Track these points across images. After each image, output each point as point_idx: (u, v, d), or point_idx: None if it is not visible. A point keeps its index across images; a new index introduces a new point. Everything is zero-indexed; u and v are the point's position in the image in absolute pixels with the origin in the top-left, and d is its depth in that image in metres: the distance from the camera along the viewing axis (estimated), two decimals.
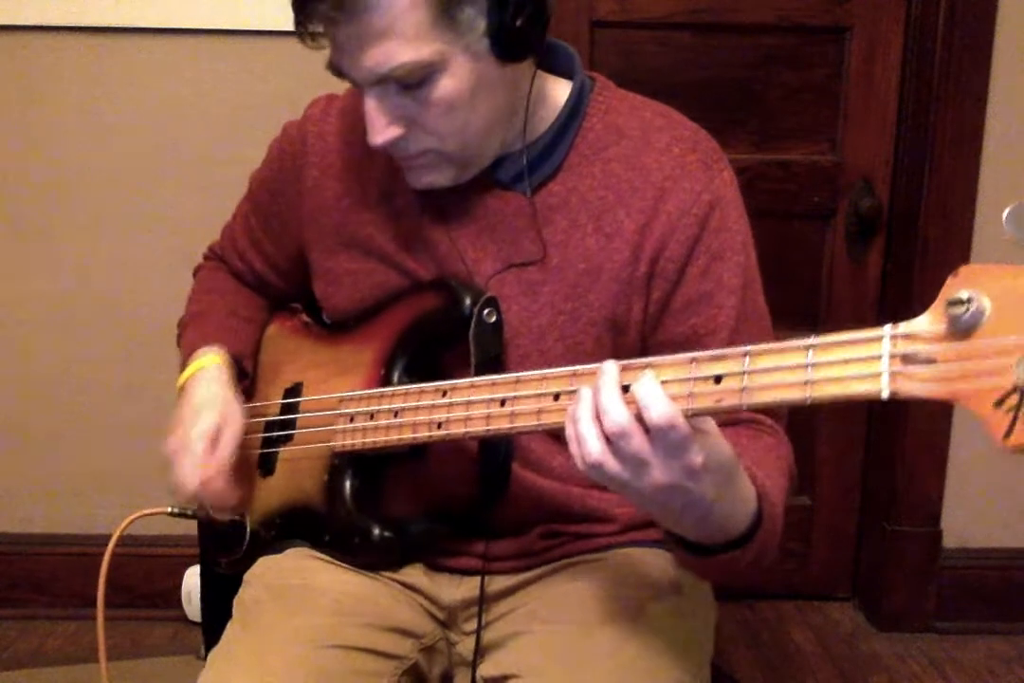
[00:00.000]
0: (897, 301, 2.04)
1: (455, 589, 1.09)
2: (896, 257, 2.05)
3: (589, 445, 0.76)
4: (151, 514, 1.20)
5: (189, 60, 1.94)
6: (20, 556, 2.11)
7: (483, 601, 1.05)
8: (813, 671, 1.97)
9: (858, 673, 1.97)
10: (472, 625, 1.06)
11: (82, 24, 1.90)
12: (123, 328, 2.04)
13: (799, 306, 2.09)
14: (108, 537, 1.20)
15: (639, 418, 0.74)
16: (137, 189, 1.99)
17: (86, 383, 2.06)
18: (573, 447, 0.78)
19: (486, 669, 1.02)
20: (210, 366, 1.14)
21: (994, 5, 1.90)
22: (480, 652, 1.05)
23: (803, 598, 2.22)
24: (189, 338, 1.21)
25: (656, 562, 1.07)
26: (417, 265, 1.07)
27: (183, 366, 1.16)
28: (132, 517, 1.19)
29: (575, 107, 1.04)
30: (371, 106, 0.95)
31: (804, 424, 2.12)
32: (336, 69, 0.96)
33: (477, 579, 1.06)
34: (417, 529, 1.08)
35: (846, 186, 2.04)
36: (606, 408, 0.75)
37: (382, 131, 0.96)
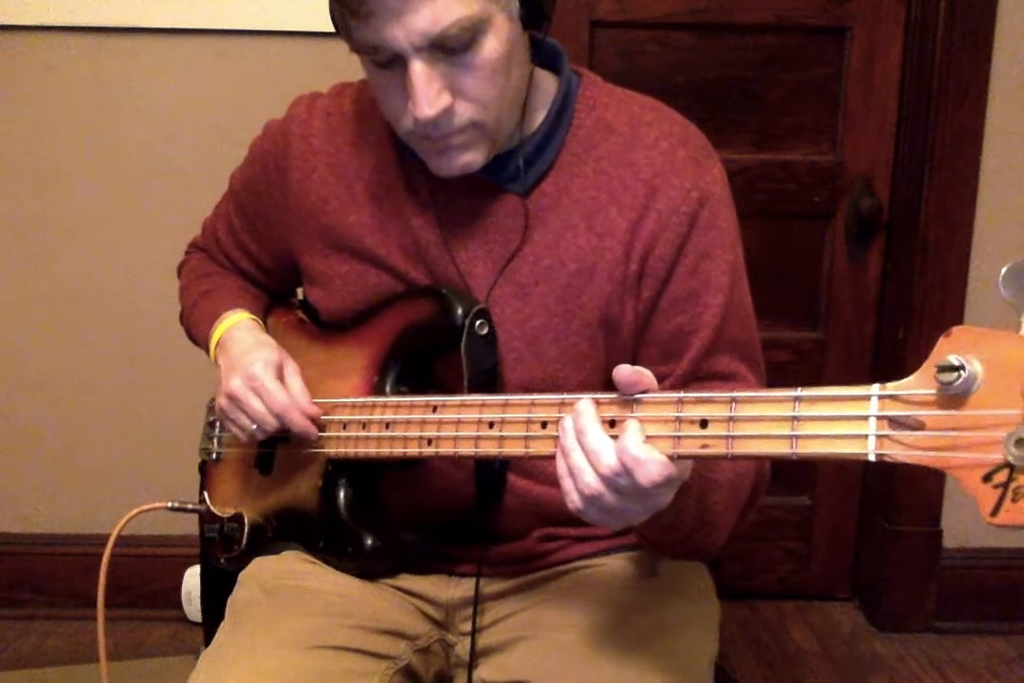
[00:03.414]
0: (897, 301, 2.03)
1: (453, 588, 1.09)
2: (896, 257, 2.05)
3: (586, 477, 0.77)
4: (151, 509, 1.20)
5: (190, 60, 1.94)
6: (20, 556, 2.11)
7: (477, 603, 1.05)
8: (813, 671, 1.97)
9: (858, 673, 1.97)
10: (470, 626, 1.06)
11: (82, 24, 1.91)
12: (123, 328, 2.04)
13: (799, 306, 2.10)
14: (108, 537, 1.20)
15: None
16: (137, 189, 1.99)
17: (86, 383, 2.06)
18: (567, 482, 0.79)
19: (489, 673, 1.02)
20: (244, 320, 1.14)
21: (994, 5, 1.90)
22: (479, 654, 1.05)
23: (803, 598, 2.22)
24: (206, 309, 1.19)
25: (659, 566, 1.07)
26: (408, 267, 1.06)
27: (207, 337, 1.15)
28: (132, 513, 1.19)
29: (564, 102, 1.04)
30: (419, 75, 0.90)
31: None
32: (370, 45, 0.91)
33: (474, 580, 1.06)
34: (411, 539, 1.08)
35: (846, 186, 2.04)
36: (596, 450, 0.77)
37: (434, 101, 0.91)
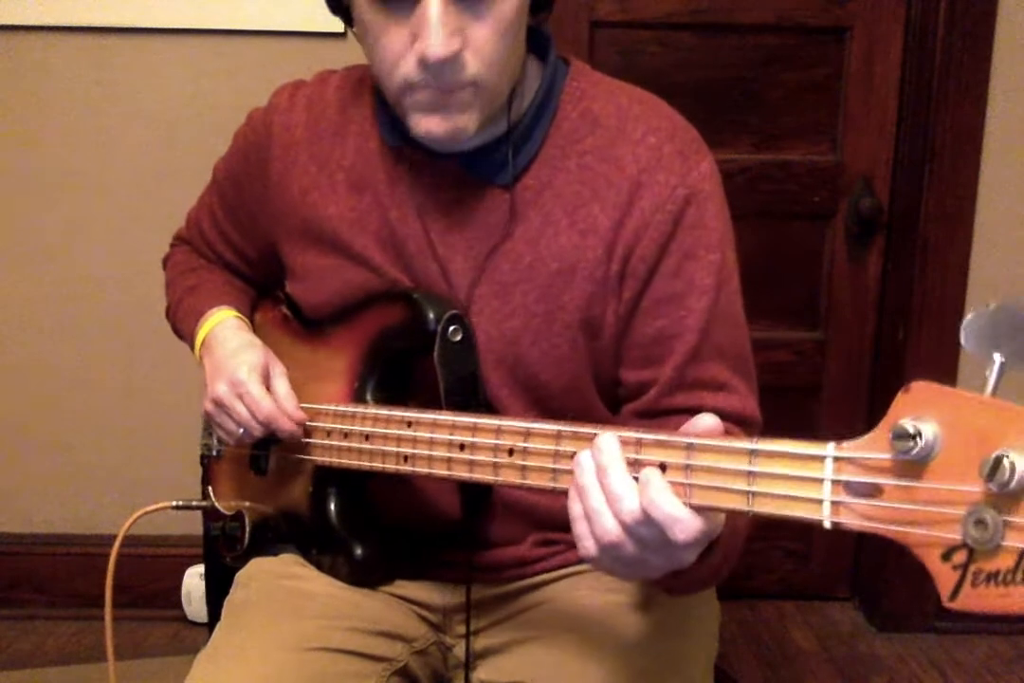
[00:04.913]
0: (897, 301, 2.03)
1: (449, 592, 1.08)
2: (896, 257, 2.05)
3: (606, 522, 0.70)
4: (156, 510, 1.20)
5: (189, 60, 1.94)
6: (20, 556, 2.11)
7: (470, 609, 1.04)
8: (813, 671, 1.97)
9: (858, 673, 1.97)
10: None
11: (82, 24, 1.91)
12: (123, 328, 2.04)
13: (799, 306, 2.10)
14: (109, 537, 1.20)
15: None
16: (137, 189, 1.99)
17: (86, 383, 2.06)
18: (581, 526, 0.72)
19: (487, 674, 1.02)
20: (229, 318, 1.13)
21: (994, 5, 1.90)
22: (476, 656, 1.05)
23: (803, 598, 2.23)
24: (192, 306, 1.17)
25: None
26: (385, 261, 1.03)
27: (192, 335, 1.14)
28: (137, 514, 1.18)
29: (548, 91, 1.00)
30: (436, 10, 0.86)
31: (804, 420, 2.12)
32: None
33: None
34: (401, 547, 1.07)
35: (846, 186, 2.04)
36: (619, 493, 0.69)
37: (447, 40, 0.87)
